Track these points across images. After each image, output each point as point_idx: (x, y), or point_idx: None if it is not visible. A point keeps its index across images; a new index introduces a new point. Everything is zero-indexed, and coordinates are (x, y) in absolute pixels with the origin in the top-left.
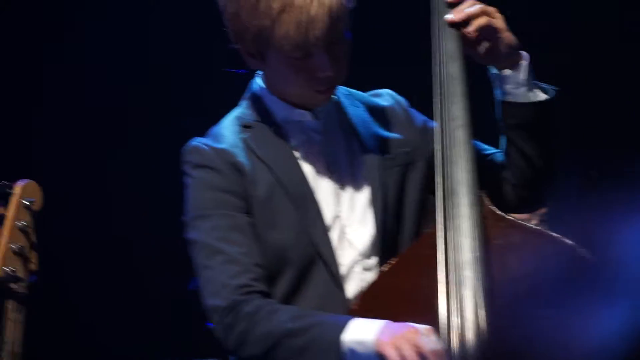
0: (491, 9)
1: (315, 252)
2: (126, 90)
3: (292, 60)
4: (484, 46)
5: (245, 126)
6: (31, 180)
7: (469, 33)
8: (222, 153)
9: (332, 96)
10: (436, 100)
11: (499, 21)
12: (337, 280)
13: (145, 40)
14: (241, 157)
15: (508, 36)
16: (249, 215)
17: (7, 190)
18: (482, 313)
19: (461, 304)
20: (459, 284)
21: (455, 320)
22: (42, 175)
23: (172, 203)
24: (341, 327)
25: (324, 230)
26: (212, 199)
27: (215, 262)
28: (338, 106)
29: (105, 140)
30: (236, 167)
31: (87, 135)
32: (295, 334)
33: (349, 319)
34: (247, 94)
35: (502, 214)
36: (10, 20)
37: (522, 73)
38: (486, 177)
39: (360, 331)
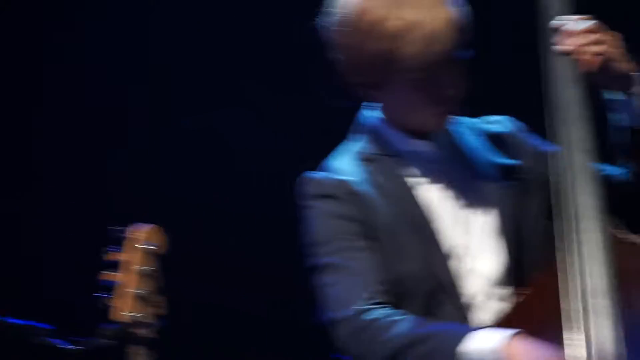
0: (603, 38)
1: (439, 283)
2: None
3: (416, 81)
4: (596, 72)
5: (365, 160)
6: (154, 225)
7: (578, 60)
8: (342, 183)
9: (449, 124)
10: (555, 124)
11: (611, 49)
12: (463, 312)
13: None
14: (362, 188)
15: (622, 65)
16: (373, 243)
17: (121, 234)
18: (617, 342)
19: (596, 334)
20: (592, 313)
21: (590, 351)
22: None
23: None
24: (466, 335)
25: (447, 260)
26: (335, 226)
27: (339, 277)
28: (453, 135)
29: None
30: (357, 197)
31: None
32: (419, 341)
33: (474, 328)
34: (359, 127)
35: (632, 238)
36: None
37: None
38: (609, 199)
39: (486, 340)
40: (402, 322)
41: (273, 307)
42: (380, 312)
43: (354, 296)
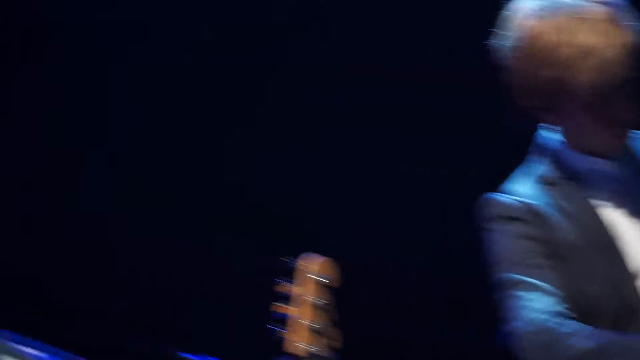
0: None
1: (627, 305)
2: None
3: (589, 107)
4: None
5: (546, 183)
6: (325, 257)
7: None
8: (525, 205)
9: (628, 141)
10: None
11: None
12: None
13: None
14: (545, 209)
15: None
16: (558, 262)
17: (291, 265)
18: None
19: None
20: None
21: None
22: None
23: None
24: None
25: (635, 282)
26: (519, 246)
27: (524, 292)
28: (632, 151)
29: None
30: (541, 218)
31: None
32: (612, 348)
33: None
34: (539, 150)
35: None
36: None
37: None
38: None
39: None
40: (592, 333)
41: (448, 336)
42: (571, 325)
43: (539, 309)
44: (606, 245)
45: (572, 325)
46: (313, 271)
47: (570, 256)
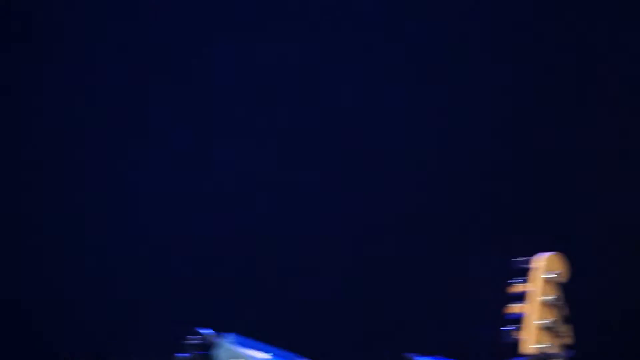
0: None
1: None
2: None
3: None
4: None
5: None
6: (554, 252)
7: None
8: None
9: None
10: None
11: None
12: None
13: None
14: None
15: None
16: None
17: (525, 266)
18: None
19: None
20: None
21: None
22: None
23: None
24: None
25: None
26: None
27: None
28: None
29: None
30: None
31: None
32: None
33: None
34: None
35: None
36: None
37: None
38: None
39: None
40: None
41: None
42: None
43: None
44: None
45: None
46: (541, 268)
47: None
